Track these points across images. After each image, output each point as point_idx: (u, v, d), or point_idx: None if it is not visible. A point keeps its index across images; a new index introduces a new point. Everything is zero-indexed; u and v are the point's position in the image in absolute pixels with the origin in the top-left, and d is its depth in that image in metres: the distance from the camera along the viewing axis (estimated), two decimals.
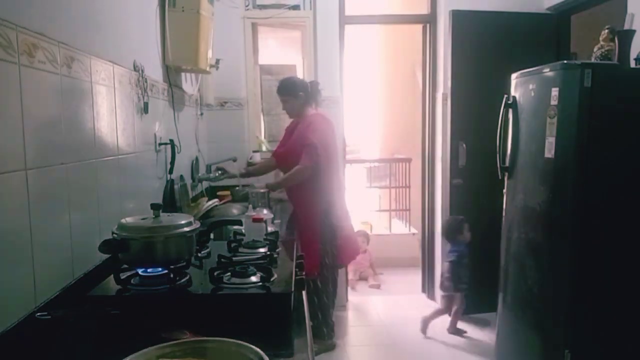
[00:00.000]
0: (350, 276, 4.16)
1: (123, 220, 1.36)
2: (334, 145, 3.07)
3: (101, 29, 1.59)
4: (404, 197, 5.34)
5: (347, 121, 4.17)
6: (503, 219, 2.67)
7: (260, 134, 3.83)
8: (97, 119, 1.51)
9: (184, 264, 1.38)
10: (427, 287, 4.02)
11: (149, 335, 1.05)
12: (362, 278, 4.48)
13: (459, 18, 3.42)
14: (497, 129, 2.61)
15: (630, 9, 2.53)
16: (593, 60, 2.39)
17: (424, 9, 3.83)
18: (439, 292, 3.84)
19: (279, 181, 2.98)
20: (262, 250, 1.65)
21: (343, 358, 3.04)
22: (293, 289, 1.33)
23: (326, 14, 3.60)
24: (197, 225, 1.42)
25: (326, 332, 3.04)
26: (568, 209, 2.19)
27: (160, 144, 2.18)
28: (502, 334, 2.66)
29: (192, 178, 2.86)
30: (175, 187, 2.36)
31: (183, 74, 2.69)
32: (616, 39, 2.21)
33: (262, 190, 2.67)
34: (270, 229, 1.94)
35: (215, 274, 1.34)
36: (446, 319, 3.59)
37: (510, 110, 2.56)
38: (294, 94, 2.94)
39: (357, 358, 3.10)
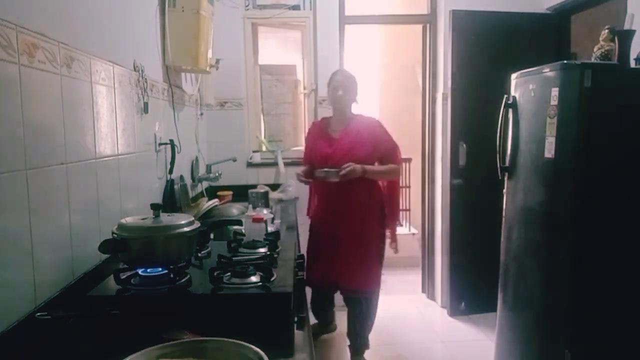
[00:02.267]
0: None
1: (123, 220, 1.36)
2: None
3: (101, 29, 1.58)
4: (404, 197, 5.33)
5: None
6: (503, 219, 2.67)
7: (260, 134, 3.83)
8: (97, 119, 1.51)
9: (184, 264, 1.38)
10: (427, 287, 4.02)
11: (149, 335, 1.04)
12: None
13: (459, 18, 3.42)
14: (497, 129, 2.61)
15: (630, 9, 2.53)
16: (593, 60, 2.39)
17: (424, 9, 3.83)
18: (438, 292, 3.84)
19: (375, 170, 2.89)
20: (262, 250, 1.65)
21: (343, 358, 3.04)
22: (293, 289, 1.33)
23: (326, 14, 3.60)
24: (197, 225, 1.42)
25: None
26: (568, 209, 2.19)
27: (160, 144, 2.18)
28: (502, 334, 2.66)
29: (192, 178, 2.87)
30: (175, 187, 2.36)
31: (183, 74, 2.69)
32: (616, 39, 2.21)
33: (262, 191, 2.65)
34: (270, 229, 1.94)
35: (215, 274, 1.34)
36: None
37: (510, 110, 2.57)
38: (357, 89, 2.94)
39: None
